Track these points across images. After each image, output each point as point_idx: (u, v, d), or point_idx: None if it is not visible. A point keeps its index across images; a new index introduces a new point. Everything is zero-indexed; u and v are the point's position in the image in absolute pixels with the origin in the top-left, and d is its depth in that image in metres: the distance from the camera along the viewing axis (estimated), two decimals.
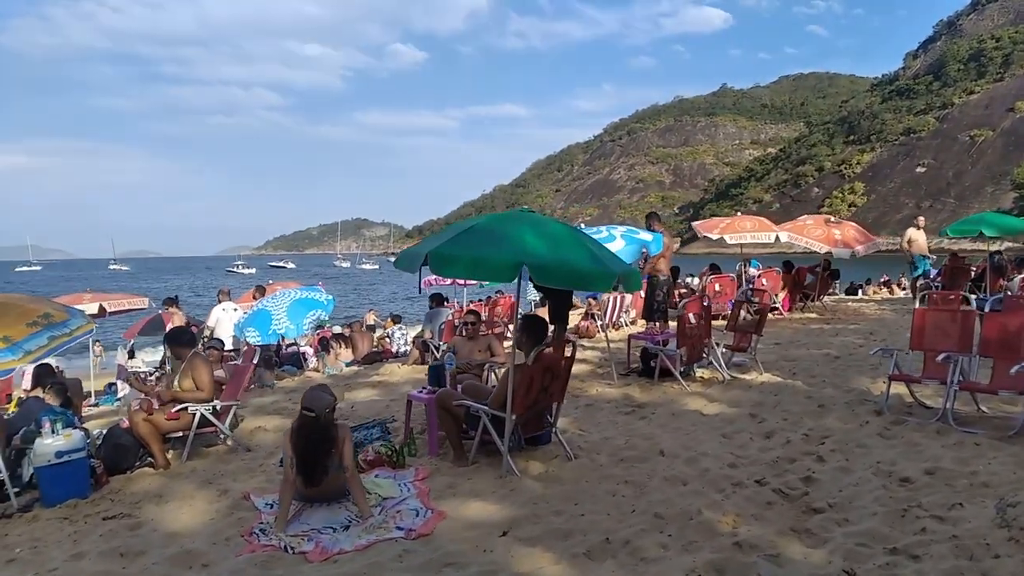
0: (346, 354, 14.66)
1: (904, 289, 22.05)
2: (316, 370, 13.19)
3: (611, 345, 9.58)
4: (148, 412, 6.33)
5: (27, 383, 10.55)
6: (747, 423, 6.42)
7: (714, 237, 13.13)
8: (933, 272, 15.46)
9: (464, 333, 7.98)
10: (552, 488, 4.96)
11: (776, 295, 14.13)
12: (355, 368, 13.31)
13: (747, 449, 5.67)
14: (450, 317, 11.20)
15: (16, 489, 5.63)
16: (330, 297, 12.66)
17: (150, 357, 17.21)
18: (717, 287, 13.53)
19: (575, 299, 17.63)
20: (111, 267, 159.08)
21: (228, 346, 12.97)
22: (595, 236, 8.07)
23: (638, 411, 7.13)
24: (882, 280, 25.21)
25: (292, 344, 15.77)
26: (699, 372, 8.65)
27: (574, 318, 14.74)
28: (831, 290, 24.95)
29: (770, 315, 14.16)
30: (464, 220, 5.01)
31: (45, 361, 10.81)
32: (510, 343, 7.97)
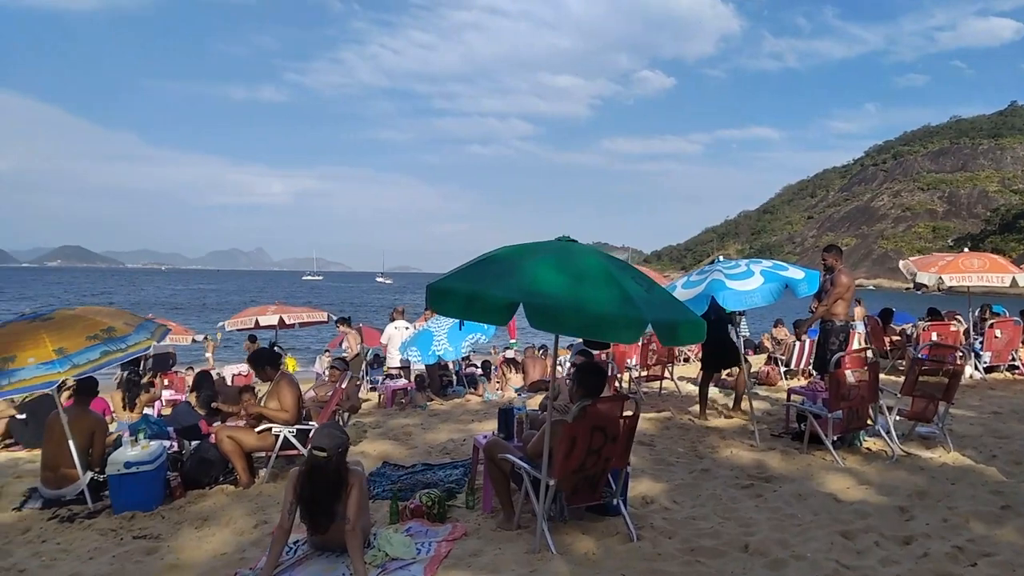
0: (516, 379, 14.36)
1: None
2: (478, 394, 13.00)
3: (761, 401, 8.23)
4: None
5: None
6: (887, 520, 4.99)
7: (928, 280, 10.93)
8: None
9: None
10: None
11: (1016, 351, 11.52)
12: (517, 395, 12.93)
13: (864, 558, 4.35)
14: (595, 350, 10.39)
15: (106, 492, 5.88)
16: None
17: None
18: (934, 336, 11.28)
19: (766, 339, 15.89)
20: (377, 280, 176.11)
21: (395, 364, 13.28)
22: (729, 271, 6.96)
23: (758, 486, 5.91)
24: None
25: (471, 365, 15.86)
26: (868, 442, 7.10)
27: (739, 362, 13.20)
28: None
29: (1010, 375, 11.64)
30: (491, 251, 4.34)
31: (205, 368, 11.68)
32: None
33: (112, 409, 9.78)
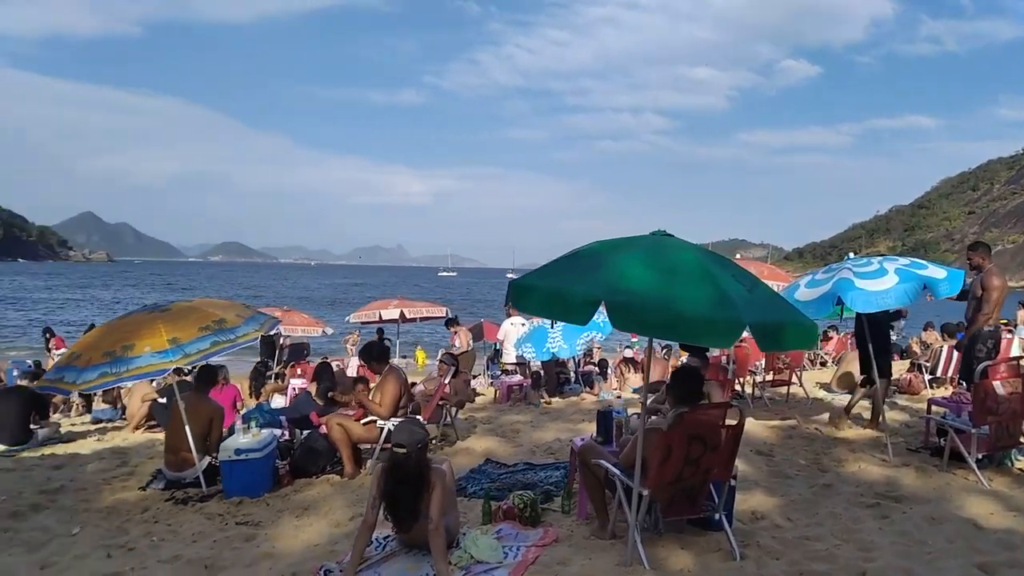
0: (635, 379, 14.00)
1: None
2: (594, 393, 12.77)
3: (899, 411, 7.53)
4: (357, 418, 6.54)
5: None
6: None
7: None
8: None
9: None
10: None
11: None
12: (635, 395, 12.59)
13: None
14: (716, 352, 9.84)
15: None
16: (606, 319, 12.11)
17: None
18: None
19: (914, 343, 14.65)
20: (507, 276, 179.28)
21: (510, 360, 13.28)
22: (859, 268, 6.39)
23: (885, 505, 5.35)
24: None
25: (589, 363, 15.65)
26: (1020, 462, 6.31)
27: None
28: None
29: None
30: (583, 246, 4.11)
31: (328, 360, 12.07)
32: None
33: (243, 396, 10.32)
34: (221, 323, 5.68)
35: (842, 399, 9.91)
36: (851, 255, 6.91)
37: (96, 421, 11.26)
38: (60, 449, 8.23)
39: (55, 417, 12.52)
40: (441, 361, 8.39)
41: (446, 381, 7.60)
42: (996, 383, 5.87)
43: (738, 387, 10.20)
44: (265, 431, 6.22)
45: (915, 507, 5.29)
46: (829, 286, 6.39)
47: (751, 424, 8.37)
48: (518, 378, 12.85)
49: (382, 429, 6.43)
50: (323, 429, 6.57)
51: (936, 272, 6.32)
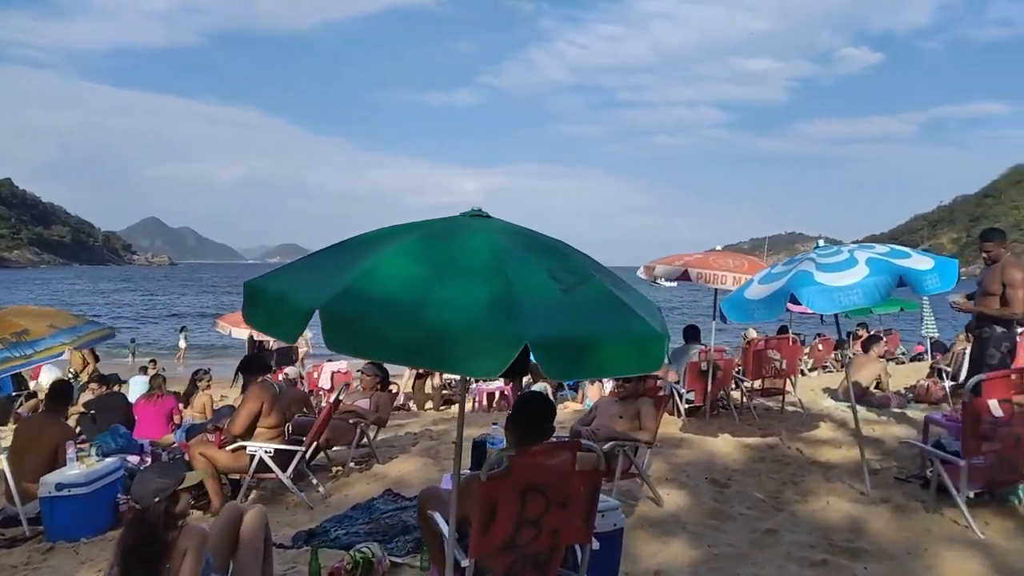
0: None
1: None
2: (578, 401, 11.65)
3: (907, 426, 6.27)
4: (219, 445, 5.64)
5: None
6: None
7: None
8: None
9: (618, 392, 5.84)
10: None
11: None
12: None
13: None
14: (696, 358, 8.60)
15: None
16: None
17: None
18: None
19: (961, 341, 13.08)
20: None
21: None
22: (824, 259, 5.20)
23: (833, 564, 4.14)
24: None
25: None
26: None
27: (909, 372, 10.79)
28: None
29: None
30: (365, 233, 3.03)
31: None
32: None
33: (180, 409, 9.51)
34: (22, 335, 4.78)
35: (846, 412, 8.60)
36: (821, 242, 5.66)
37: None
38: None
39: None
40: (362, 372, 7.38)
41: (341, 397, 6.60)
42: (991, 403, 4.62)
43: (719, 395, 8.96)
44: (109, 460, 5.33)
45: (873, 565, 4.10)
46: (784, 281, 5.19)
47: (721, 443, 7.18)
48: (497, 384, 11.81)
49: (252, 456, 5.49)
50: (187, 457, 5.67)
51: (920, 262, 5.03)
